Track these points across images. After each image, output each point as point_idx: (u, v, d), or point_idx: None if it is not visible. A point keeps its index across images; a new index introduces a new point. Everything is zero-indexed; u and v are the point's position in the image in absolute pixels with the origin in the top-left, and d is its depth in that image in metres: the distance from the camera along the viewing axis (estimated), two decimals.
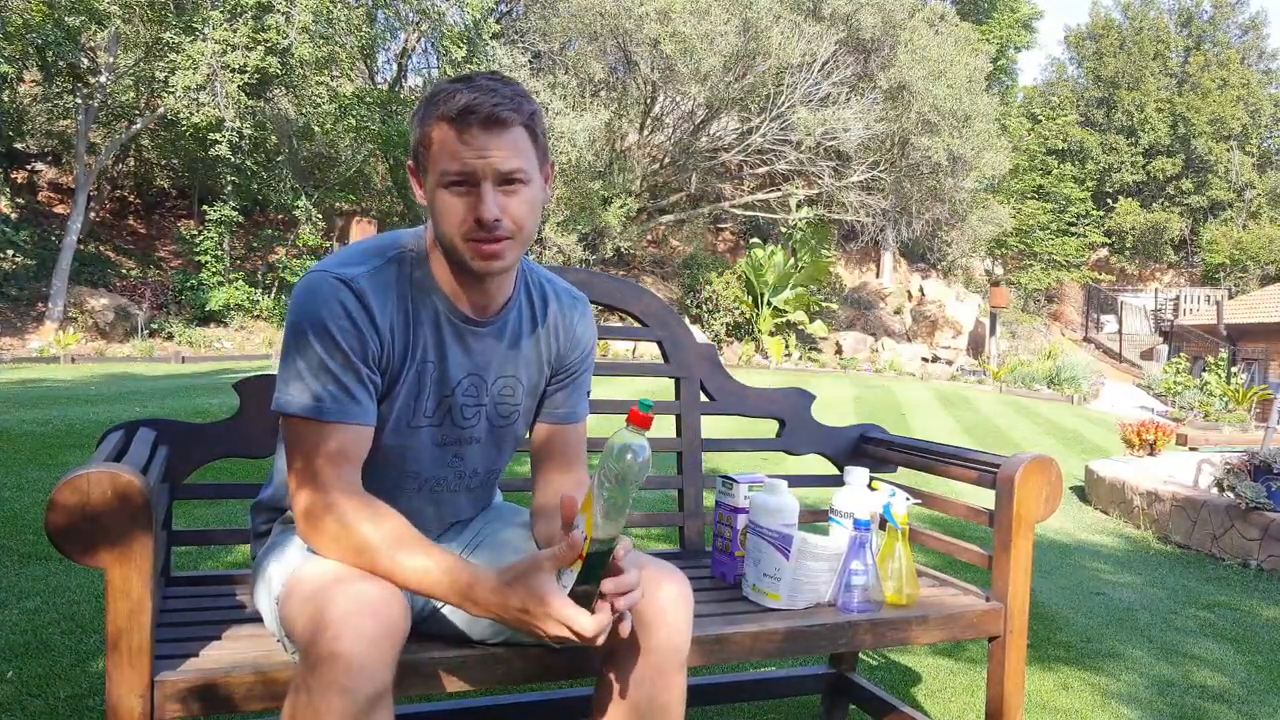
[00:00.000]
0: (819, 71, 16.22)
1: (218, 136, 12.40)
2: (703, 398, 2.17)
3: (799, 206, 17.34)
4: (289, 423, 1.31)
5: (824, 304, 18.21)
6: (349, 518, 1.26)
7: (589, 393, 1.61)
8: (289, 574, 1.32)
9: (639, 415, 1.19)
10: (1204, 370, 16.49)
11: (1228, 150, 26.57)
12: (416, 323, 1.37)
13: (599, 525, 1.18)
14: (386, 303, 1.33)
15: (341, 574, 1.23)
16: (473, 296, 1.39)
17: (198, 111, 12.14)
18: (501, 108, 1.27)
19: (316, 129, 14.09)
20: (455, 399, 1.42)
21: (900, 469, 2.19)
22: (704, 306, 16.87)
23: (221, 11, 12.25)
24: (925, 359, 18.01)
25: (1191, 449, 9.28)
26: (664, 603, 1.34)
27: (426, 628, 1.48)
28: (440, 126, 1.28)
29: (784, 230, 18.14)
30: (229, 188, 13.60)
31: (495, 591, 1.21)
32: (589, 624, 1.19)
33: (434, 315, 1.38)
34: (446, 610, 1.47)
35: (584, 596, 1.21)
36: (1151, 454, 7.30)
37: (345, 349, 1.29)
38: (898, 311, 20.51)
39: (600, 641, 1.21)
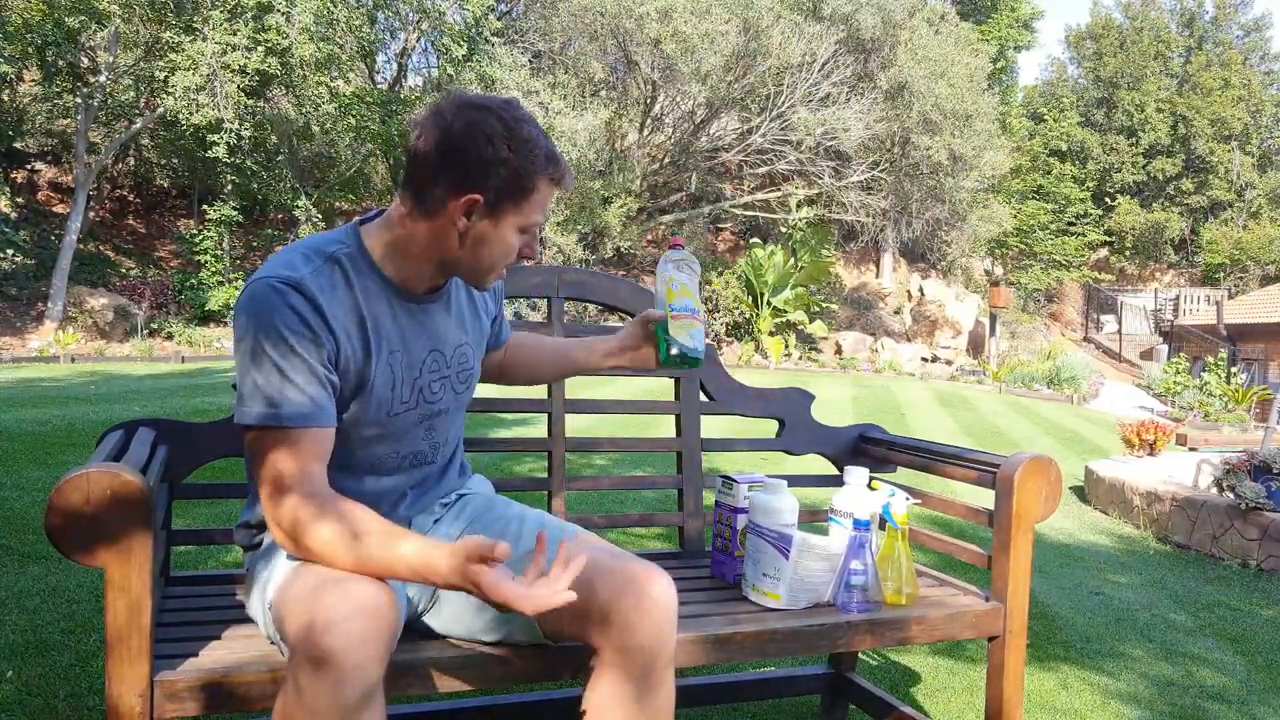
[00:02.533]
0: (819, 71, 16.22)
1: (216, 138, 12.40)
2: (702, 397, 2.16)
3: (799, 206, 17.33)
4: (251, 433, 1.30)
5: (824, 304, 18.20)
6: (316, 519, 1.26)
7: None
8: (281, 577, 1.32)
9: (677, 240, 1.66)
10: (1204, 370, 16.50)
11: (1229, 151, 26.56)
12: (372, 316, 1.38)
13: (696, 296, 1.62)
14: (335, 302, 1.34)
15: (333, 574, 1.24)
16: (424, 280, 1.44)
17: (197, 112, 12.14)
18: None
19: (316, 129, 14.09)
20: (423, 378, 1.46)
21: (900, 469, 2.19)
22: (704, 306, 16.84)
23: (222, 11, 12.24)
24: (925, 359, 18.01)
25: (1191, 449, 9.28)
26: (649, 602, 1.35)
27: (422, 626, 1.49)
28: (546, 185, 1.37)
29: (784, 230, 18.14)
30: (229, 187, 13.61)
31: (450, 573, 1.21)
32: (528, 606, 1.19)
33: (387, 305, 1.40)
34: (444, 606, 1.48)
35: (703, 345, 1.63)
36: (1151, 454, 7.30)
37: (300, 352, 1.29)
38: (897, 311, 20.51)
39: (542, 610, 1.21)
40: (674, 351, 1.58)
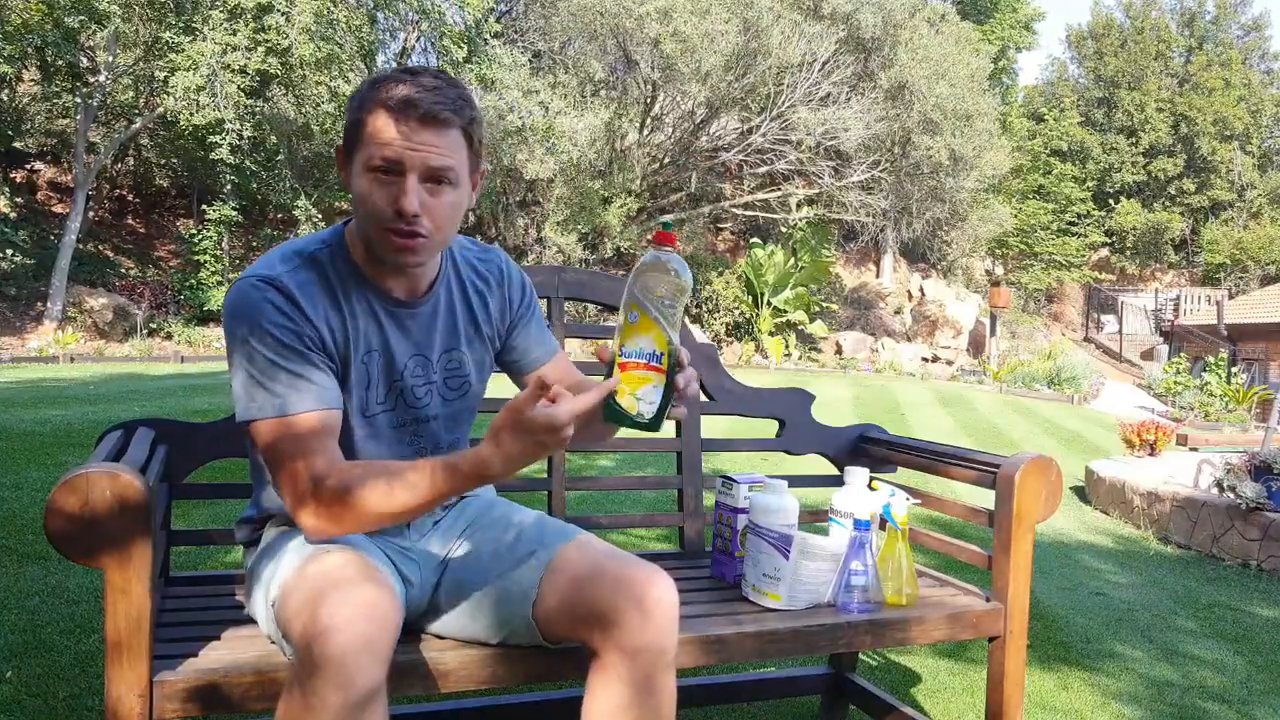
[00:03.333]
0: (819, 71, 16.22)
1: (218, 139, 12.39)
2: (703, 398, 2.16)
3: (799, 206, 17.34)
4: (259, 428, 1.30)
5: (824, 304, 18.21)
6: (346, 484, 1.27)
7: (547, 327, 1.65)
8: (284, 577, 1.32)
9: (665, 234, 1.25)
10: (1204, 370, 16.49)
11: (1229, 150, 26.56)
12: (352, 315, 1.38)
13: (671, 339, 1.23)
14: (315, 300, 1.35)
15: (335, 575, 1.24)
16: (401, 282, 1.42)
17: (197, 112, 12.13)
18: (442, 107, 1.28)
19: (316, 128, 14.08)
20: (404, 382, 1.45)
21: (900, 469, 2.19)
22: (704, 306, 16.88)
23: (221, 12, 12.23)
24: (925, 359, 18.02)
25: (1192, 449, 9.27)
26: (650, 604, 1.34)
27: (423, 625, 1.49)
28: (377, 113, 1.28)
29: (784, 230, 18.15)
30: (228, 187, 13.60)
31: (497, 455, 1.23)
32: (598, 393, 1.22)
33: (368, 305, 1.40)
34: (444, 608, 1.48)
35: (664, 407, 1.25)
36: (1152, 454, 7.29)
37: (288, 344, 1.30)
38: (898, 311, 20.51)
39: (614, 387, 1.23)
40: (613, 410, 1.24)
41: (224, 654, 1.38)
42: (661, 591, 1.36)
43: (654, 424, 1.26)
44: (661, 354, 1.22)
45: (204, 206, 13.92)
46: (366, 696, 1.15)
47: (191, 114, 12.18)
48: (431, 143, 1.28)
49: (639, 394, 1.23)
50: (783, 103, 16.30)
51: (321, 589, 1.21)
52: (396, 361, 1.43)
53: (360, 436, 1.43)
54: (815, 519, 2.12)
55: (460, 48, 14.24)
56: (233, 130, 12.40)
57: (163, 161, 15.69)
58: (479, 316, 1.53)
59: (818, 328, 17.25)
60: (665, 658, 1.36)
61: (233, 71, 12.14)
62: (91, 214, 14.51)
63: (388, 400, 1.44)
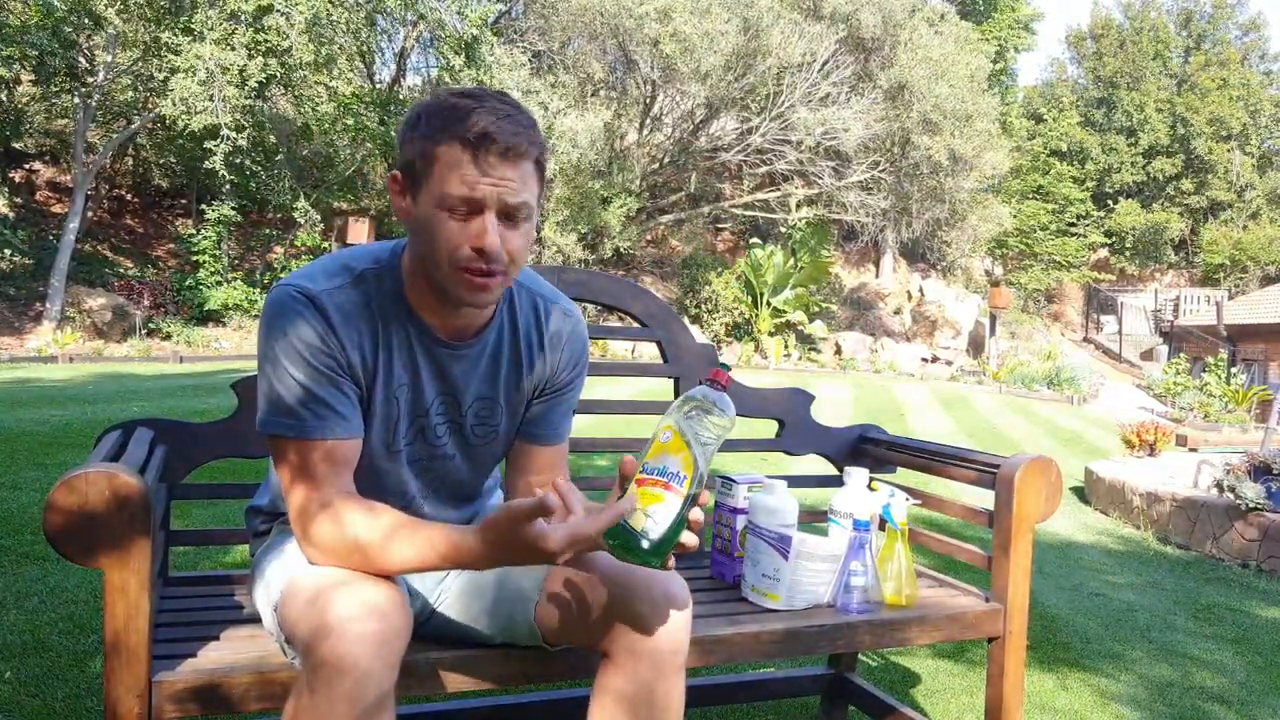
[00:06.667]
0: (819, 71, 16.23)
1: (212, 145, 12.32)
2: None
3: (799, 206, 17.34)
4: (275, 443, 1.30)
5: (823, 304, 18.21)
6: (341, 519, 1.25)
7: (573, 412, 1.55)
8: (289, 577, 1.31)
9: (720, 373, 1.25)
10: (1204, 371, 16.49)
11: (1228, 151, 26.56)
12: (387, 347, 1.33)
13: (699, 468, 1.18)
14: (351, 325, 1.30)
15: (342, 577, 1.23)
16: (450, 320, 1.36)
17: (195, 117, 12.07)
18: (520, 138, 1.22)
19: (315, 129, 14.06)
20: (429, 419, 1.41)
21: (899, 469, 2.18)
22: (703, 306, 16.87)
23: (220, 13, 12.20)
24: (924, 359, 18.01)
25: (1191, 450, 9.27)
26: (662, 605, 1.33)
27: (427, 630, 1.48)
28: (451, 146, 1.21)
29: (784, 230, 18.15)
30: (227, 187, 13.58)
31: (484, 555, 1.20)
32: (607, 519, 1.15)
33: (406, 340, 1.35)
34: (447, 612, 1.47)
35: (672, 535, 1.16)
36: (1151, 455, 7.30)
37: (316, 365, 1.27)
38: (897, 312, 20.51)
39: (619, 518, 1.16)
40: (617, 527, 1.16)
41: (223, 654, 1.38)
42: (675, 591, 1.35)
43: (655, 550, 1.16)
44: (685, 476, 1.17)
45: (203, 206, 13.90)
46: (376, 702, 1.13)
47: (190, 117, 12.13)
48: (509, 178, 1.22)
49: (649, 510, 1.16)
50: (782, 103, 16.30)
51: (328, 589, 1.19)
52: (425, 399, 1.39)
53: (381, 468, 1.40)
54: (815, 519, 2.12)
55: (458, 55, 14.18)
56: (229, 139, 12.30)
57: (161, 161, 15.68)
58: (524, 369, 1.45)
59: (817, 328, 17.24)
60: (676, 659, 1.34)
61: (230, 77, 12.09)
62: (90, 214, 14.49)
63: (409, 434, 1.40)
